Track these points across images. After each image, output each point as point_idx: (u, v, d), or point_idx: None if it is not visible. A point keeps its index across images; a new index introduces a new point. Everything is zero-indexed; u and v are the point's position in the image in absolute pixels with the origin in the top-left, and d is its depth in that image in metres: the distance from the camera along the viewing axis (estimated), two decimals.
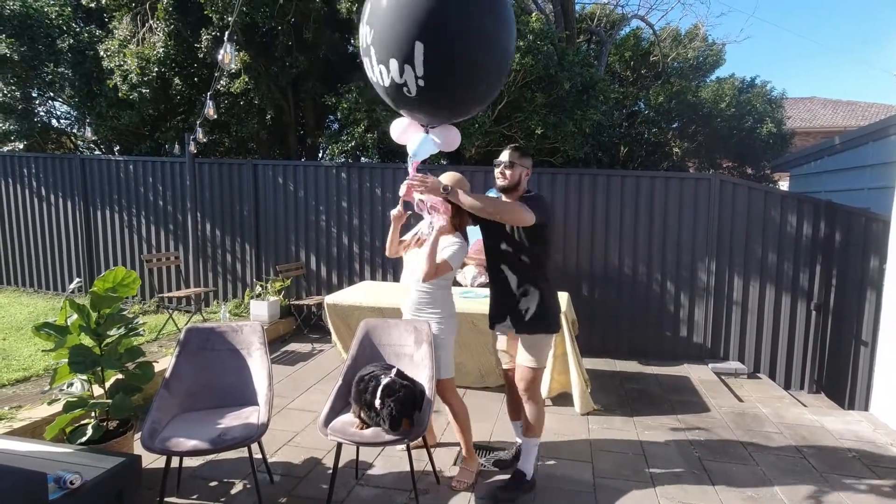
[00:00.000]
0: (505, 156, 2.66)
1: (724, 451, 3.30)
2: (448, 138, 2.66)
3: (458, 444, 3.19)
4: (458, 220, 2.72)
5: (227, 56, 2.88)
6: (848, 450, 3.40)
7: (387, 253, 2.90)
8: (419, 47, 2.08)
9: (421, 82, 2.17)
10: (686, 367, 5.09)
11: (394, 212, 2.73)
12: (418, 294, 2.80)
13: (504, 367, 2.93)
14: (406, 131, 2.64)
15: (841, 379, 4.91)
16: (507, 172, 2.62)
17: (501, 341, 2.90)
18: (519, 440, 2.97)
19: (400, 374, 2.44)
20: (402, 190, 2.51)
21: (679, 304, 5.32)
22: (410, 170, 2.59)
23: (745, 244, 5.13)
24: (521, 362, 2.68)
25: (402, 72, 2.16)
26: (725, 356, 5.26)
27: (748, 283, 5.15)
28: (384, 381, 2.32)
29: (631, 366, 5.08)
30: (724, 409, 4.05)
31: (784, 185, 12.06)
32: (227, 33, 3.00)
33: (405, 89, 2.23)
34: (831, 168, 7.06)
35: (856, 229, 4.80)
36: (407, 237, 2.88)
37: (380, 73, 2.25)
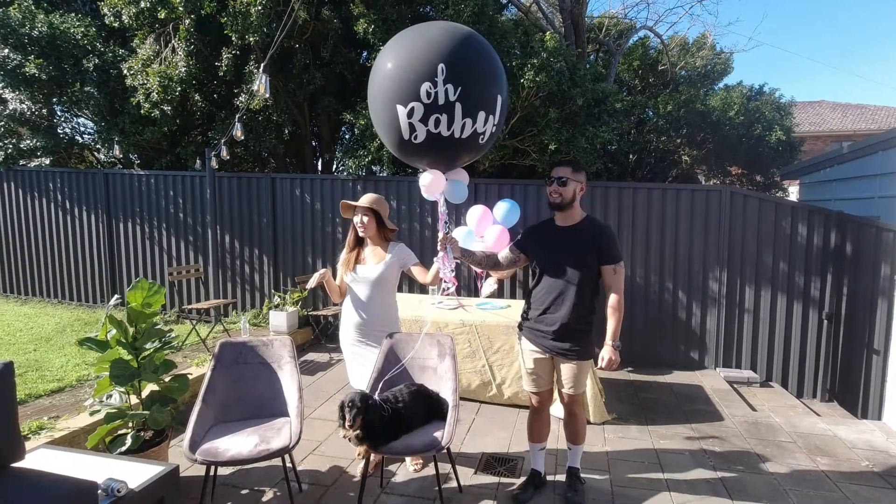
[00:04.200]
0: (558, 172, 2.61)
1: (739, 461, 3.38)
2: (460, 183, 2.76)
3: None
4: (384, 232, 3.04)
5: (262, 87, 3.04)
6: (862, 459, 3.46)
7: (335, 299, 3.09)
8: (499, 99, 2.47)
9: (493, 128, 2.51)
10: (699, 375, 5.15)
11: (323, 275, 2.91)
12: (365, 317, 2.99)
13: (535, 390, 2.80)
14: (438, 182, 2.60)
15: (853, 388, 4.95)
16: (561, 190, 2.58)
17: (530, 361, 2.76)
18: (540, 468, 2.94)
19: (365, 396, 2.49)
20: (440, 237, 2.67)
21: (691, 314, 5.39)
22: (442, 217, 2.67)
23: (757, 254, 5.20)
24: (573, 391, 2.68)
25: (485, 122, 2.42)
26: (738, 365, 5.31)
27: (759, 292, 5.22)
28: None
29: (644, 374, 5.15)
30: (737, 417, 4.11)
31: (794, 192, 12.07)
32: (262, 65, 3.17)
33: (481, 137, 2.46)
34: (841, 176, 7.11)
35: (866, 240, 4.86)
36: (340, 278, 3.06)
37: (462, 125, 2.35)
